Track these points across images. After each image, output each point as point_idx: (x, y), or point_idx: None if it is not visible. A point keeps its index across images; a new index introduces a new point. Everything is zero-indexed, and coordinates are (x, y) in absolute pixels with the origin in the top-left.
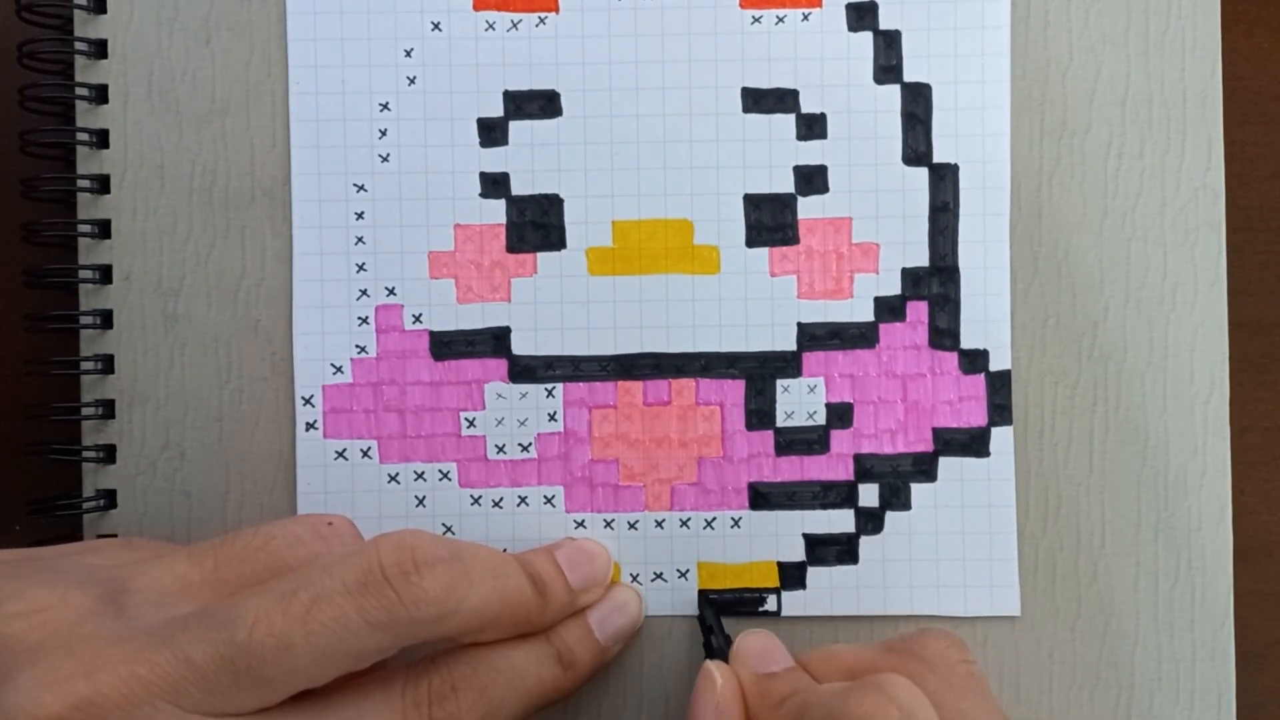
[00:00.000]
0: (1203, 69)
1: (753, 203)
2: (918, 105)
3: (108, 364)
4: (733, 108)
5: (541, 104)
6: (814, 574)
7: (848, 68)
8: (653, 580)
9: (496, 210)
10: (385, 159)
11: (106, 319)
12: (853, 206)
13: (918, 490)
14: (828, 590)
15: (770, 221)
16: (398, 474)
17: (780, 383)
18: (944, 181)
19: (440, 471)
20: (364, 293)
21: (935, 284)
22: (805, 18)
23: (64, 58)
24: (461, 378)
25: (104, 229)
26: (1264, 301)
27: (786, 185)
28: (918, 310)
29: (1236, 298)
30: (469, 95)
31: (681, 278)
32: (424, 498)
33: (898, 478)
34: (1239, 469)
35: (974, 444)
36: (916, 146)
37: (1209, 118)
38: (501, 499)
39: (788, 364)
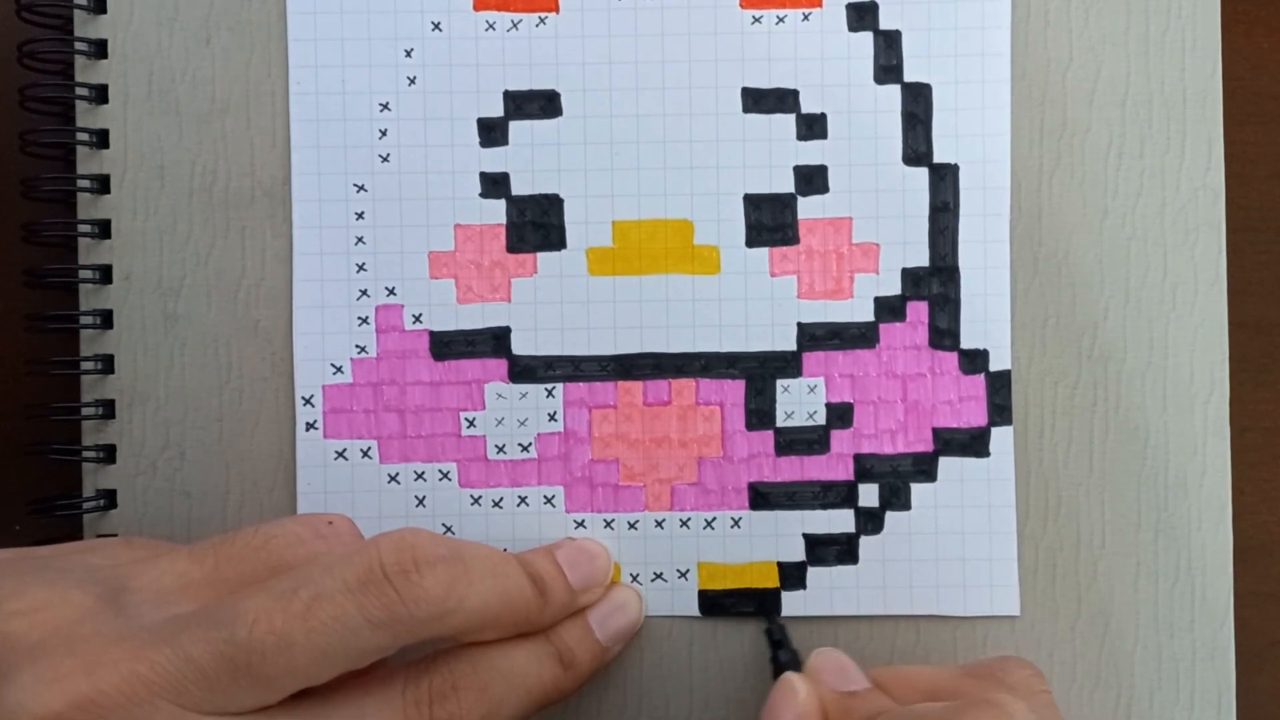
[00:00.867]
0: (1203, 69)
1: (753, 203)
2: (918, 105)
3: (108, 364)
4: (733, 108)
5: (541, 104)
6: (814, 574)
7: (848, 68)
8: (652, 580)
9: (496, 210)
10: (385, 159)
11: (106, 319)
12: (853, 206)
13: (918, 490)
14: (828, 590)
15: (770, 221)
16: (398, 474)
17: (780, 383)
18: (944, 181)
19: (440, 471)
20: (364, 293)
21: (935, 284)
22: (805, 18)
23: (64, 58)
24: (461, 378)
25: (104, 229)
26: (1264, 301)
27: (786, 185)
28: (918, 310)
29: (1236, 298)
30: (469, 95)
31: (681, 278)
32: (424, 498)
33: (898, 478)
34: (1239, 469)
35: (974, 444)
36: (917, 146)
37: (1209, 118)
38: (501, 499)
39: (788, 364)
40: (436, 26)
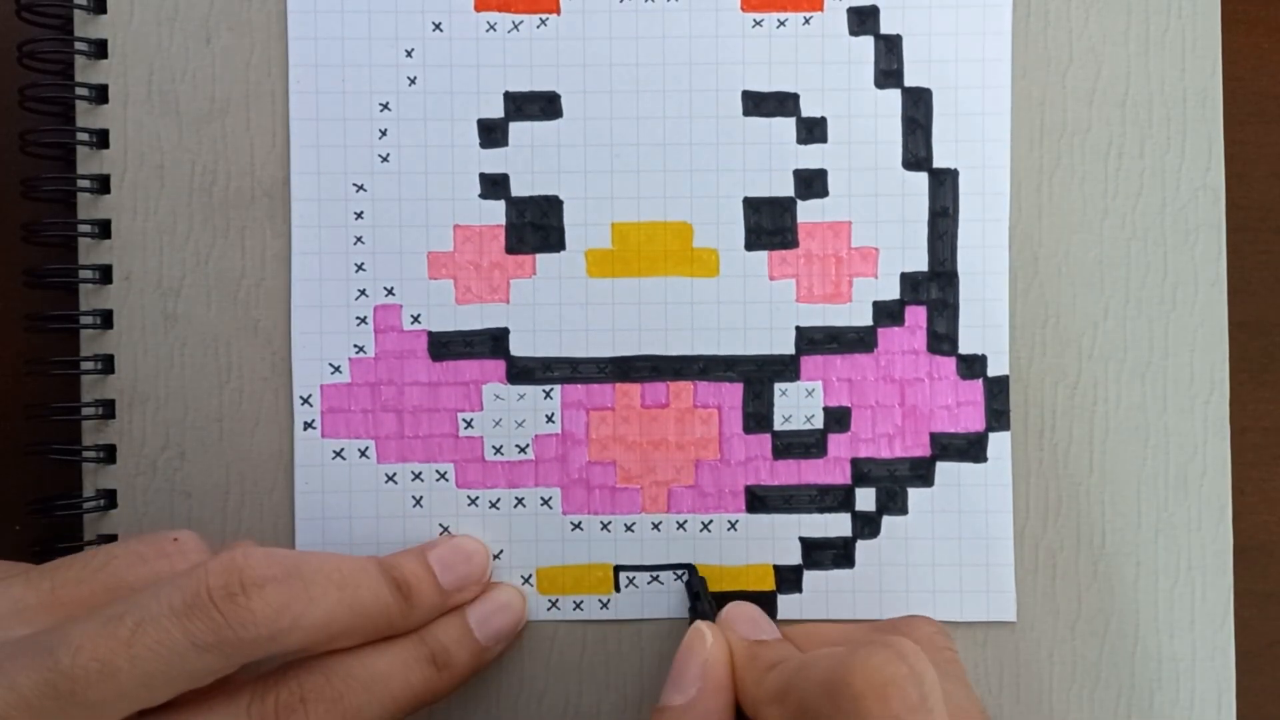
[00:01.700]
0: (1203, 69)
1: (752, 206)
2: (918, 110)
3: (108, 364)
4: (733, 111)
5: (542, 105)
6: (810, 578)
7: (848, 72)
8: (649, 583)
9: (496, 211)
10: (385, 159)
11: (106, 319)
12: (852, 211)
13: (915, 495)
14: (824, 594)
15: (770, 225)
16: (395, 474)
17: (778, 386)
18: (944, 186)
19: (438, 472)
20: (363, 293)
21: (934, 289)
22: (806, 21)
23: (64, 58)
24: (459, 378)
25: (104, 229)
26: (1264, 301)
27: (786, 189)
28: (916, 315)
29: (1236, 298)
30: (469, 96)
31: (680, 280)
32: (421, 498)
33: (895, 482)
34: (1239, 469)
35: (971, 449)
36: (917, 151)
37: (1209, 118)
38: (498, 500)
39: (786, 367)
40: (437, 27)
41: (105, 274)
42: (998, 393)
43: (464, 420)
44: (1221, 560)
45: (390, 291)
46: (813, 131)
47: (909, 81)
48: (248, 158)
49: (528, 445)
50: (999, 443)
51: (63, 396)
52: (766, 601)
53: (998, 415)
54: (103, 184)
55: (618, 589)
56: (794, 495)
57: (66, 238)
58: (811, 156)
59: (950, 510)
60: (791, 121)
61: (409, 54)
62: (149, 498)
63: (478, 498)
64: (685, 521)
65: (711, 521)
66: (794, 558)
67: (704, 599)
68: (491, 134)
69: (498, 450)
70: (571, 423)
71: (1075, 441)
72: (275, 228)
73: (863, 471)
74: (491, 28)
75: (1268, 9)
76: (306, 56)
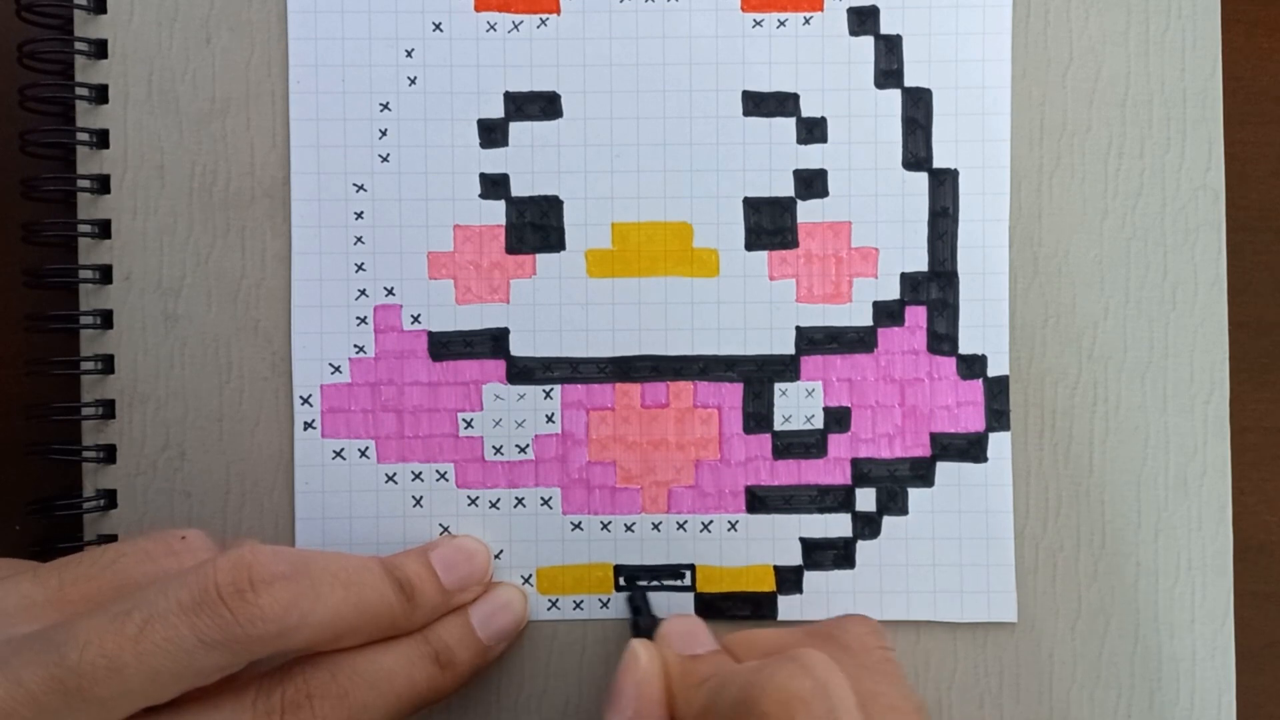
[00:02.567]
0: (1203, 69)
1: (752, 206)
2: (918, 110)
3: (108, 364)
4: (733, 111)
5: (542, 105)
6: (810, 578)
7: (849, 72)
8: (649, 583)
9: (496, 211)
10: (385, 159)
11: (106, 319)
12: (852, 211)
13: (915, 495)
14: (824, 595)
15: (770, 225)
16: (395, 474)
17: (778, 386)
18: (944, 187)
19: (438, 472)
20: (363, 293)
21: (934, 289)
22: (806, 21)
23: (64, 58)
24: (459, 378)
25: (104, 229)
26: (1264, 301)
27: (786, 189)
28: (916, 315)
29: (1236, 298)
30: (469, 96)
31: (680, 280)
32: (421, 498)
33: (895, 482)
34: (1239, 469)
35: (972, 449)
36: (917, 151)
37: (1209, 118)
38: (498, 500)
39: (786, 367)
40: (437, 27)
41: (105, 274)
42: (998, 393)
43: (464, 420)
44: (1221, 560)
45: (390, 291)
46: (813, 131)
47: (909, 81)
48: (248, 158)
49: (528, 445)
50: (999, 443)
51: (63, 396)
52: (767, 603)
53: (998, 415)
54: (103, 184)
55: (618, 589)
56: (794, 495)
57: (66, 238)
58: (811, 156)
59: (950, 510)
60: (791, 121)
61: (409, 54)
62: (149, 498)
63: (478, 498)
64: (685, 522)
65: (711, 522)
66: (794, 558)
67: (644, 613)
68: (491, 134)
69: (498, 450)
70: (571, 423)
71: (1075, 441)
72: (275, 228)
73: (863, 472)
74: (491, 28)
75: (1268, 9)
76: (306, 56)
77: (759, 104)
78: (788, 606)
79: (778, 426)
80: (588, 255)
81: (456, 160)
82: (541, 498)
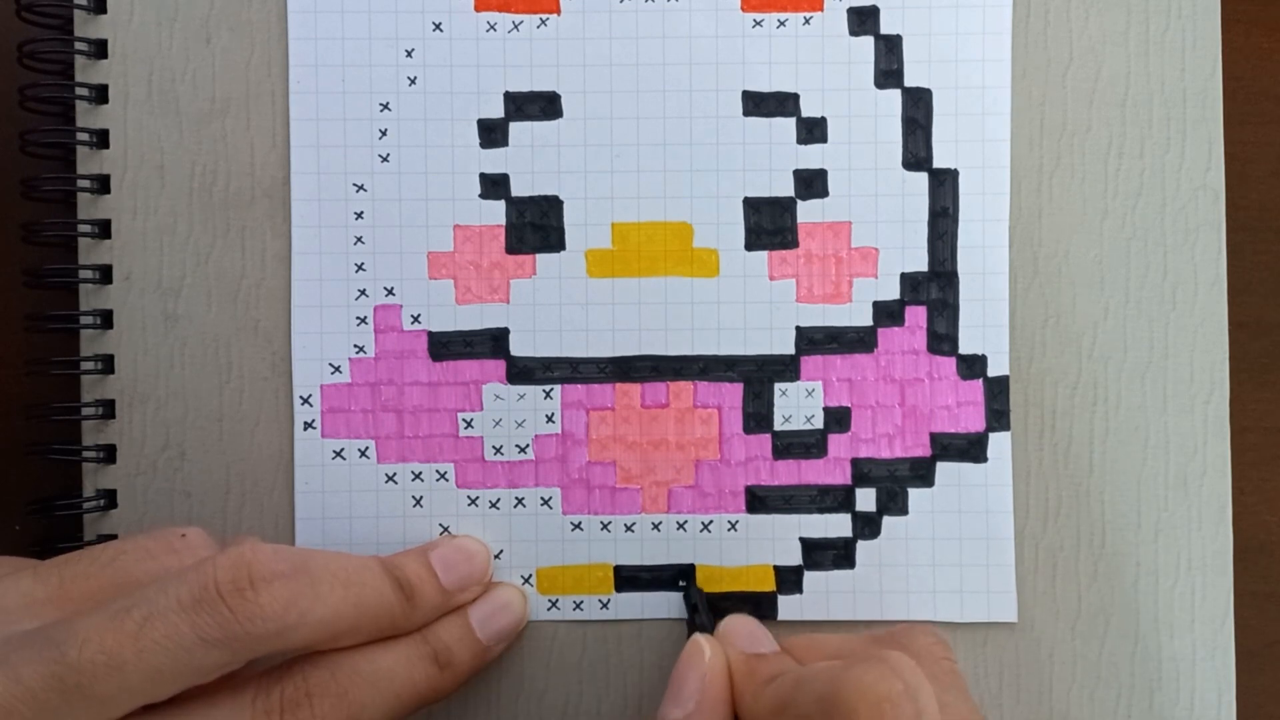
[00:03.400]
0: (1203, 69)
1: (752, 206)
2: (918, 110)
3: (108, 364)
4: (733, 111)
5: (542, 105)
6: (810, 578)
7: (849, 72)
8: (649, 583)
9: (496, 211)
10: (385, 159)
11: (106, 319)
12: (852, 211)
13: (915, 495)
14: (824, 595)
15: (770, 225)
16: (395, 474)
17: (778, 386)
18: (944, 187)
19: (438, 472)
20: (363, 293)
21: (934, 289)
22: (806, 21)
23: (64, 58)
24: (459, 378)
25: (104, 229)
26: (1264, 301)
27: (786, 189)
28: (916, 315)
29: (1236, 298)
30: (469, 96)
31: (680, 280)
32: (421, 498)
33: (895, 482)
34: (1239, 469)
35: (972, 449)
36: (917, 151)
37: (1209, 118)
38: (498, 500)
39: (786, 367)
40: (437, 27)
41: (105, 274)
42: (998, 393)
43: (464, 420)
44: (1221, 560)
45: (390, 291)
46: (813, 131)
47: (909, 81)
48: (248, 158)
49: (528, 445)
50: (999, 443)
51: (63, 396)
52: (767, 602)
53: (998, 415)
54: (103, 184)
55: (618, 589)
56: (794, 495)
57: (66, 238)
58: (811, 156)
59: (951, 510)
60: (791, 121)
61: (409, 54)
62: (149, 498)
63: (478, 498)
64: (685, 522)
65: (711, 522)
66: (794, 558)
67: (702, 611)
68: (491, 134)
69: (498, 450)
70: (571, 423)
71: (1075, 441)
72: (275, 228)
73: (863, 472)
74: (491, 28)
75: (1268, 9)
76: (306, 56)
77: (759, 104)
78: (788, 606)
79: (778, 426)
80: (588, 255)
81: (456, 160)
82: (541, 498)
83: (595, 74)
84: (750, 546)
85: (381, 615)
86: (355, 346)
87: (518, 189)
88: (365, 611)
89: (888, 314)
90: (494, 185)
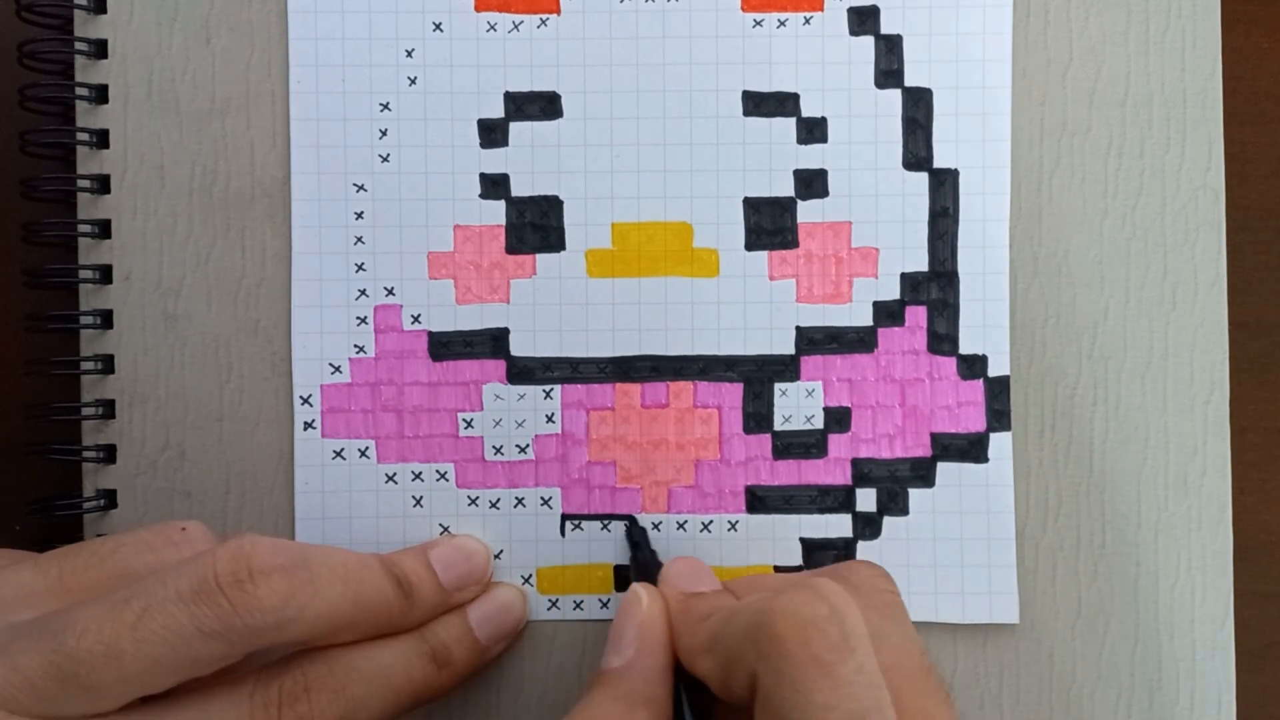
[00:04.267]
0: (1203, 69)
1: (752, 206)
2: (919, 110)
3: (108, 364)
4: (733, 111)
5: (542, 105)
6: None
7: (849, 72)
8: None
9: (496, 211)
10: (385, 159)
11: (106, 319)
12: (852, 211)
13: (915, 495)
14: None
15: (770, 225)
16: (395, 474)
17: (778, 386)
18: (944, 187)
19: (438, 472)
20: (363, 293)
21: (934, 289)
22: (807, 21)
23: (64, 58)
24: (459, 378)
25: (104, 229)
26: (1264, 301)
27: (786, 189)
28: (916, 315)
29: (1236, 298)
30: (470, 96)
31: (680, 280)
32: (421, 498)
33: (895, 483)
34: (1239, 469)
35: (972, 449)
36: (917, 151)
37: (1209, 118)
38: (499, 500)
39: (786, 368)
40: (438, 27)
41: (105, 274)
42: (998, 393)
43: (464, 420)
44: (1221, 560)
45: (390, 291)
46: (813, 131)
47: (909, 81)
48: (248, 158)
49: (528, 445)
50: (1000, 443)
51: (63, 396)
52: None
53: (998, 415)
54: (103, 184)
55: (618, 589)
56: (794, 496)
57: (66, 238)
58: (812, 156)
59: (951, 511)
60: (792, 121)
61: (409, 54)
62: (149, 498)
63: (478, 498)
64: (685, 522)
65: (711, 522)
66: (794, 558)
67: (644, 548)
68: (491, 134)
69: (498, 450)
70: (571, 423)
71: (1075, 441)
72: (275, 228)
73: (863, 472)
74: (492, 28)
75: (1268, 9)
76: (307, 56)
77: (759, 104)
78: None
79: (778, 426)
80: (588, 255)
81: (456, 160)
82: (542, 498)
83: (595, 74)
84: (750, 547)
85: (380, 612)
86: (355, 346)
87: (518, 189)
88: (363, 608)
89: (888, 314)
90: (494, 185)
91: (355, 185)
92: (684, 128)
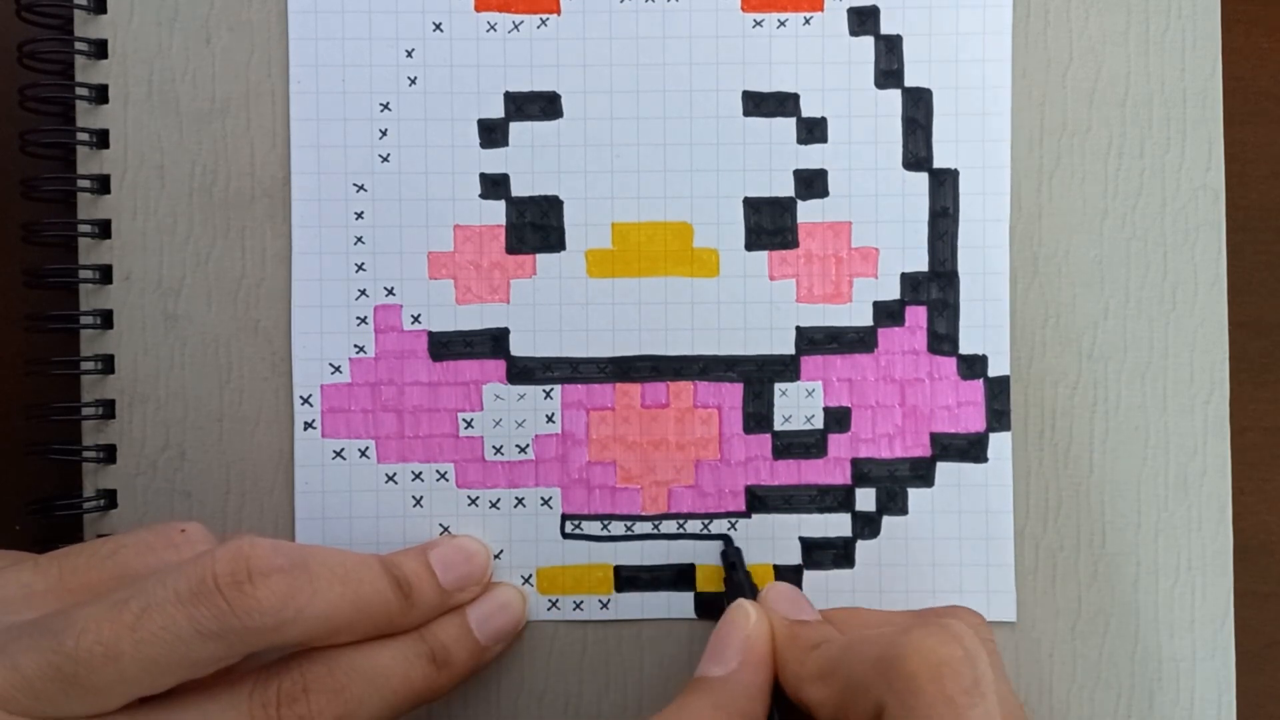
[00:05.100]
0: (1203, 69)
1: (752, 206)
2: (918, 110)
3: (108, 364)
4: (733, 111)
5: (542, 105)
6: (810, 578)
7: (849, 72)
8: (649, 583)
9: (496, 211)
10: (385, 159)
11: (106, 319)
12: (852, 211)
13: (915, 495)
14: (824, 594)
15: (770, 225)
16: (395, 474)
17: (778, 386)
18: (944, 187)
19: (438, 472)
20: (363, 293)
21: (934, 289)
22: (807, 21)
23: (64, 58)
24: (460, 378)
25: (104, 229)
26: (1264, 301)
27: (786, 189)
28: (916, 315)
29: (1236, 298)
30: (470, 96)
31: (680, 280)
32: (421, 498)
33: (895, 482)
34: (1239, 469)
35: (972, 449)
36: (917, 151)
37: (1209, 118)
38: (499, 500)
39: (786, 368)
40: (438, 27)
41: (105, 274)
42: (998, 393)
43: (464, 420)
44: (1221, 560)
45: (390, 291)
46: (813, 131)
47: (909, 81)
48: (248, 158)
49: (528, 445)
50: (999, 443)
51: (63, 396)
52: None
53: (998, 415)
54: (103, 184)
55: (618, 589)
56: (794, 495)
57: (66, 238)
58: (812, 156)
59: (951, 510)
60: (792, 121)
61: (409, 54)
62: (149, 498)
63: (478, 498)
64: (685, 522)
65: (711, 522)
66: (794, 558)
67: (740, 569)
68: (492, 134)
69: (498, 450)
70: (571, 423)
71: (1075, 441)
72: (275, 228)
73: (863, 472)
74: (492, 28)
75: (1268, 9)
76: (307, 56)
77: (759, 104)
78: None
79: (778, 426)
80: (588, 255)
81: (457, 160)
82: (542, 498)
83: (595, 74)
84: (750, 546)
85: (379, 613)
86: (355, 346)
87: (518, 189)
88: (362, 608)
89: (888, 314)
90: (494, 185)
91: (355, 185)
92: (684, 128)
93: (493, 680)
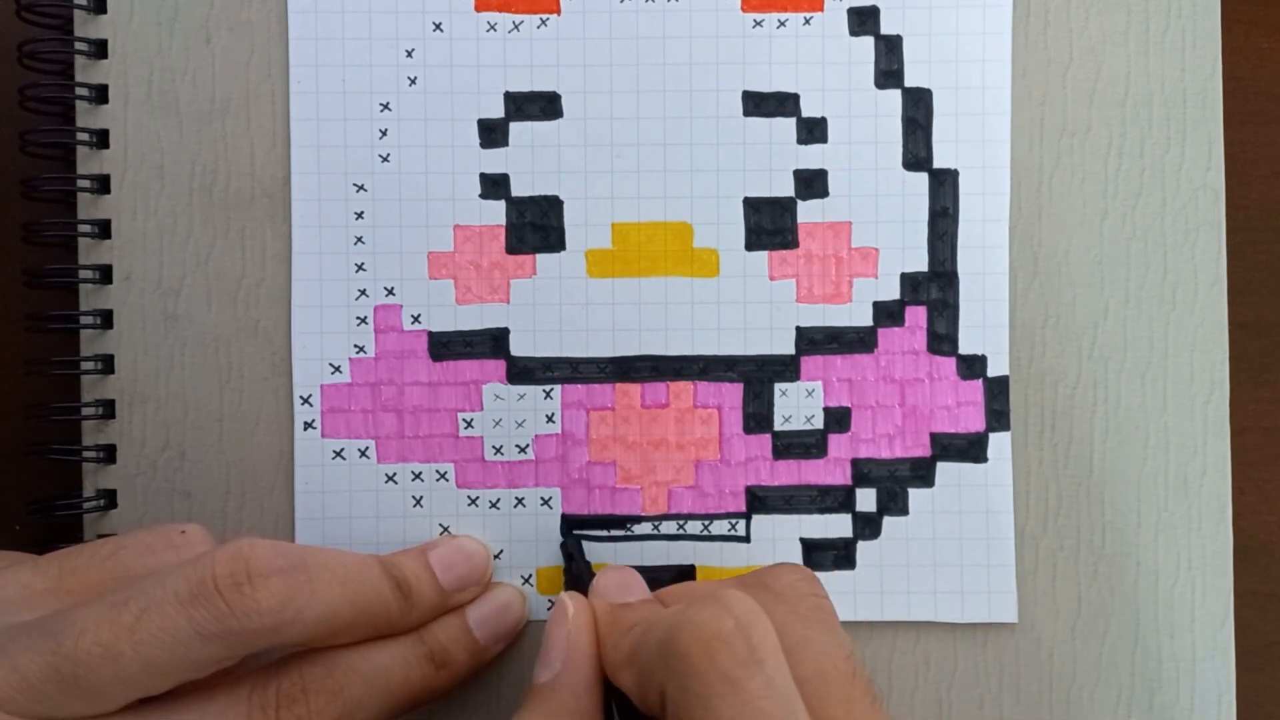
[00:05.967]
0: (1203, 69)
1: (752, 206)
2: (918, 110)
3: (108, 364)
4: (733, 111)
5: (542, 105)
6: None
7: (849, 72)
8: (648, 584)
9: (496, 211)
10: (385, 159)
11: (106, 319)
12: (852, 211)
13: (915, 495)
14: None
15: (770, 225)
16: (395, 474)
17: (778, 386)
18: (944, 187)
19: (438, 472)
20: (363, 293)
21: (934, 289)
22: (807, 22)
23: (64, 58)
24: (460, 378)
25: (104, 229)
26: (1264, 301)
27: (786, 189)
28: (916, 315)
29: (1236, 298)
30: (470, 96)
31: (680, 280)
32: (421, 498)
33: (895, 483)
34: (1239, 469)
35: (972, 449)
36: (917, 151)
37: (1209, 118)
38: (498, 500)
39: (786, 368)
40: (438, 27)
41: (105, 274)
42: (998, 393)
43: (464, 420)
44: (1221, 560)
45: (390, 291)
46: (813, 132)
47: (909, 82)
48: (248, 158)
49: (528, 445)
50: (999, 443)
51: (63, 396)
52: None
53: (998, 415)
54: (103, 184)
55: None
56: (794, 496)
57: (66, 238)
58: (811, 157)
59: (951, 511)
60: (792, 122)
61: (409, 54)
62: (149, 498)
63: (478, 498)
64: (685, 522)
65: (711, 522)
66: (794, 558)
67: (578, 560)
68: (492, 134)
69: (498, 450)
70: (571, 423)
71: (1075, 441)
72: (275, 228)
73: (863, 472)
74: (492, 28)
75: (1268, 9)
76: (307, 56)
77: (759, 104)
78: None
79: (778, 427)
80: (588, 255)
81: (457, 160)
82: (542, 498)
83: (595, 74)
84: (750, 547)
85: (378, 614)
86: (355, 346)
87: (518, 189)
88: (362, 609)
89: (888, 314)
90: (494, 185)
91: (355, 185)
92: (684, 128)
93: (493, 680)
